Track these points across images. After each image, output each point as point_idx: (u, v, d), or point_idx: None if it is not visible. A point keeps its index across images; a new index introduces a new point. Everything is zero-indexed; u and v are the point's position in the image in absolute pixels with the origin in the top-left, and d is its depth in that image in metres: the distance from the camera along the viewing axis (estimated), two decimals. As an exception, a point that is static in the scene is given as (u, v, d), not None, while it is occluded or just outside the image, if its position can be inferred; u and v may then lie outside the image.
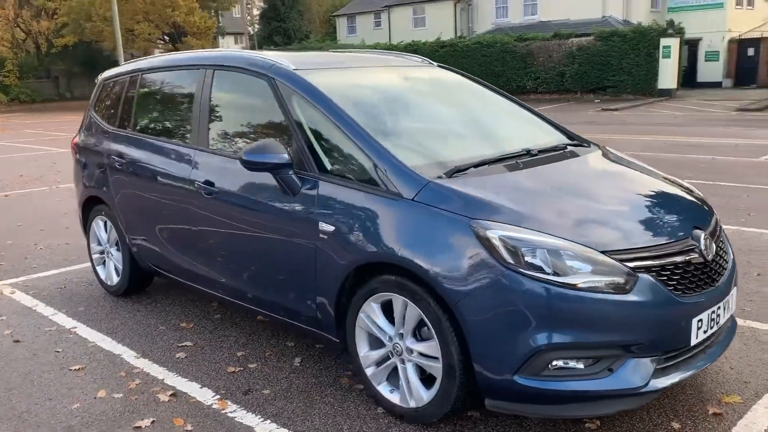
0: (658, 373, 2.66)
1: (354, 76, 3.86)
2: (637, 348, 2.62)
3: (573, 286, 2.55)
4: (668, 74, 25.09)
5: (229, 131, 3.89)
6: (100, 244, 5.01)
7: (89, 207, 5.03)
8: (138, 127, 4.52)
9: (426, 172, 2.96)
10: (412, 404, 2.95)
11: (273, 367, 3.65)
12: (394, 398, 3.05)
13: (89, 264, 5.71)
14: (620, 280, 2.58)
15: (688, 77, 28.79)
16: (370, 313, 3.05)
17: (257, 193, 3.47)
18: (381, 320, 3.03)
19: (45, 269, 5.69)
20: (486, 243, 2.62)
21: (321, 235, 3.14)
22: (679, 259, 2.73)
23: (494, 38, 28.77)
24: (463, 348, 2.72)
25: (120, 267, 4.79)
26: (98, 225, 4.95)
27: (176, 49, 40.71)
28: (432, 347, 2.82)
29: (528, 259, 2.58)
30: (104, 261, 5.01)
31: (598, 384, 2.60)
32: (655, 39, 24.76)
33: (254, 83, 3.69)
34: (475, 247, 2.64)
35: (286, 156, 3.22)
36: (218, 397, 3.33)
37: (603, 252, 2.61)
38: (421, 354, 2.89)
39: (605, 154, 3.68)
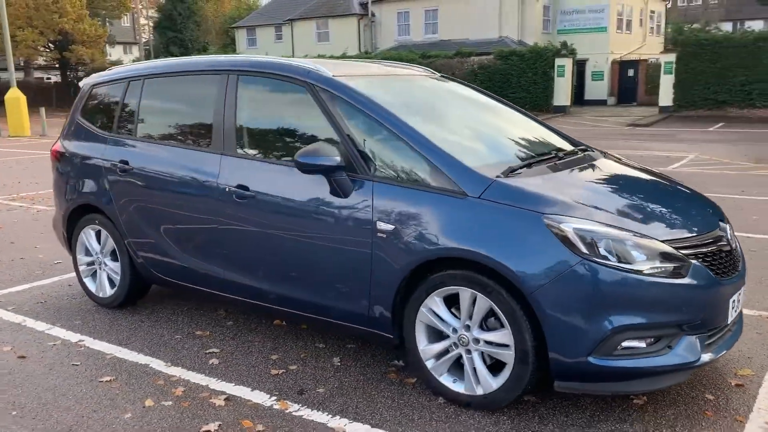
0: (704, 348, 3.00)
1: (384, 83, 4.00)
2: (690, 326, 2.95)
3: (640, 272, 2.84)
4: (562, 92, 26.82)
5: (263, 136, 3.92)
6: (89, 254, 4.81)
7: (75, 217, 4.82)
8: (145, 133, 4.42)
9: (484, 172, 3.17)
10: (480, 391, 3.13)
11: (314, 367, 3.70)
12: (458, 388, 3.21)
13: (61, 277, 5.49)
14: (677, 265, 2.90)
15: (577, 95, 30.84)
16: (433, 306, 3.20)
17: (303, 195, 3.53)
18: (445, 313, 3.19)
19: (12, 285, 5.36)
20: (561, 236, 2.87)
21: (379, 234, 3.27)
22: (715, 247, 3.10)
23: (399, 55, 29.43)
24: (536, 334, 2.94)
25: (117, 278, 4.63)
26: (89, 235, 4.75)
27: (63, 58, 38.65)
28: (503, 336, 3.02)
29: (600, 249, 2.84)
30: (94, 272, 4.82)
31: (660, 360, 2.90)
32: (550, 59, 26.42)
33: (289, 89, 3.76)
34: (550, 240, 2.88)
35: (338, 158, 3.33)
36: (274, 398, 3.36)
37: (662, 242, 2.93)
38: (489, 343, 3.08)
39: (615, 158, 4.05)
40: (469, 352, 3.16)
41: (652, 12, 36.42)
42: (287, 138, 3.83)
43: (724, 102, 23.44)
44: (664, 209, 3.28)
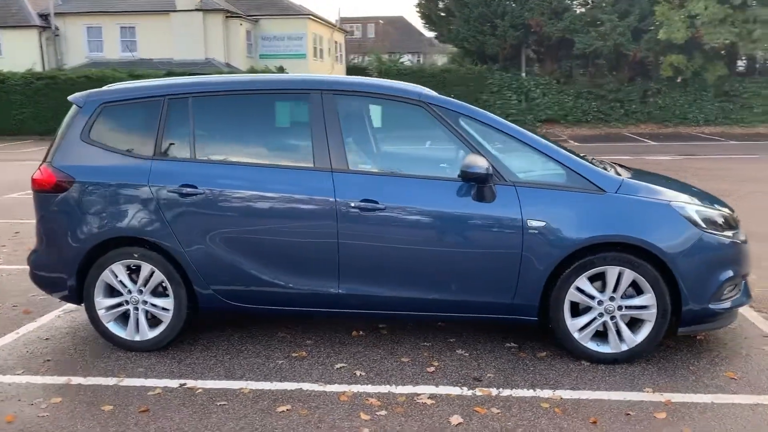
0: (749, 291, 4.29)
1: None
2: (743, 276, 4.19)
3: (729, 237, 3.99)
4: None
5: (379, 151, 4.08)
6: (113, 295, 4.20)
7: (94, 254, 4.17)
8: (211, 155, 4.13)
9: None
10: (624, 348, 3.93)
11: (451, 359, 4.04)
12: (604, 349, 3.96)
13: (18, 332, 4.63)
14: (736, 231, 4.12)
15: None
16: (581, 285, 3.90)
17: (447, 204, 3.89)
18: (591, 289, 3.91)
19: (-37, 349, 4.31)
20: (688, 217, 3.86)
21: (530, 231, 3.84)
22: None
23: (103, 73, 27.19)
24: (671, 294, 3.87)
25: (167, 315, 4.15)
26: (118, 272, 4.15)
27: None
28: (646, 300, 3.87)
29: (711, 223, 3.91)
30: (120, 315, 4.21)
31: (738, 301, 4.09)
32: (267, 82, 27.38)
33: (401, 108, 4.07)
34: (680, 221, 3.85)
35: (487, 166, 3.81)
36: (466, 388, 3.66)
37: (730, 215, 4.13)
38: (632, 307, 3.90)
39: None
40: (613, 318, 3.93)
41: (336, 42, 40.11)
42: (410, 152, 4.10)
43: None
44: (704, 196, 4.50)
